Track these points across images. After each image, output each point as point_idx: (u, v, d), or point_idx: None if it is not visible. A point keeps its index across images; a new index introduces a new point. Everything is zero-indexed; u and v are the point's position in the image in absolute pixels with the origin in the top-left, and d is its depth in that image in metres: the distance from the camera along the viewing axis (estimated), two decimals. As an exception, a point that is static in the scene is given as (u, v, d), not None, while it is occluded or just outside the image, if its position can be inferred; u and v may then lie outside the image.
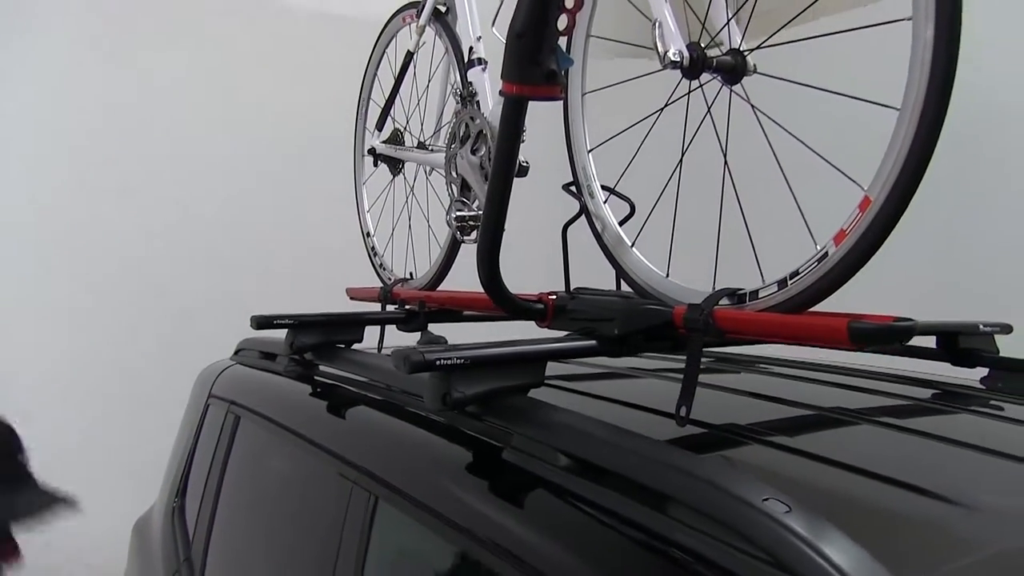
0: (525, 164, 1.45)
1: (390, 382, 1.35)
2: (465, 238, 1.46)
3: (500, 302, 1.26)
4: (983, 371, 1.45)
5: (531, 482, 0.95)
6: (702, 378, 1.03)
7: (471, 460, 1.10)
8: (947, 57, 0.83)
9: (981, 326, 1.45)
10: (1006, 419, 1.23)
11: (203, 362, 2.03)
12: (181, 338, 3.15)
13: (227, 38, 3.44)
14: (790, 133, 1.07)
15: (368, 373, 1.42)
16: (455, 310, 1.65)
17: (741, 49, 1.08)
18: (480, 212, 1.38)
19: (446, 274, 1.72)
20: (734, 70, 1.08)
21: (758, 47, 1.07)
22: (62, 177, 3.17)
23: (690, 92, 1.11)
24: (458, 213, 1.44)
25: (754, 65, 1.09)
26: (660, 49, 1.06)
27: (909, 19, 0.86)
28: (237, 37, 3.45)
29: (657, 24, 1.08)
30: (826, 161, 1.01)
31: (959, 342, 1.46)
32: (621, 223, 1.28)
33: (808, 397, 1.28)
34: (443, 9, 1.69)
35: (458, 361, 1.01)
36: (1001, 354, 1.47)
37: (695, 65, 1.06)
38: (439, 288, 1.76)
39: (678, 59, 1.05)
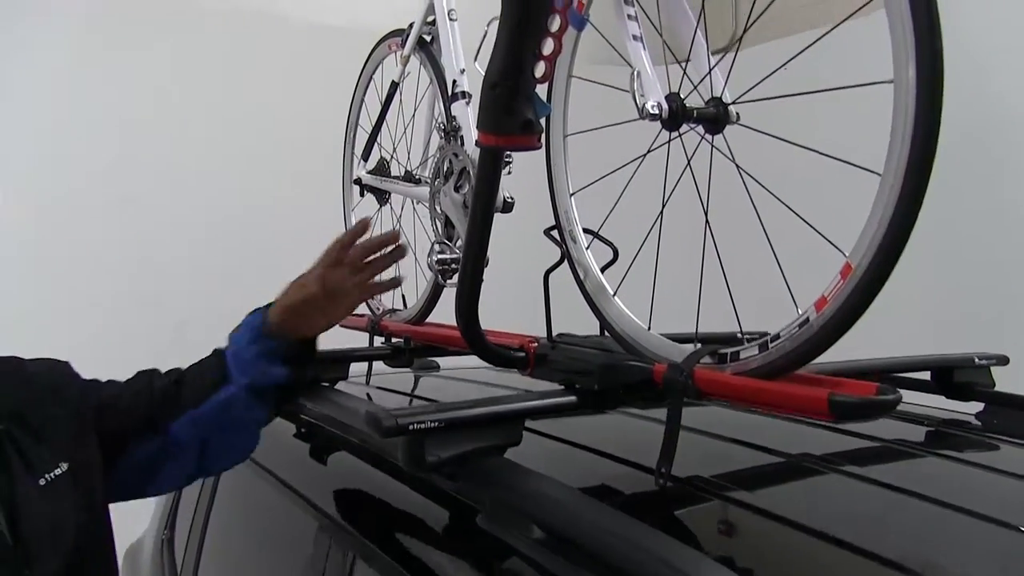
0: (510, 199, 1.42)
1: (366, 437, 1.32)
2: (447, 282, 1.43)
3: (479, 351, 1.23)
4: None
5: (503, 551, 0.93)
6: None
7: (447, 522, 1.08)
8: (928, 125, 0.80)
9: (976, 359, 1.43)
10: (995, 469, 1.19)
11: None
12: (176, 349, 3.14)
13: (224, 48, 3.42)
14: (770, 192, 1.03)
15: (346, 420, 1.39)
16: (441, 347, 1.62)
17: (723, 99, 1.05)
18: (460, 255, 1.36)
19: (433, 307, 1.69)
20: (715, 121, 1.05)
21: (739, 99, 1.04)
22: (58, 187, 3.16)
23: (670, 141, 1.08)
24: (439, 256, 1.41)
25: (736, 115, 1.06)
26: (638, 100, 1.03)
27: (891, 82, 0.83)
28: (234, 47, 3.43)
29: (636, 74, 1.05)
30: (807, 223, 0.98)
31: (954, 376, 1.44)
32: (603, 268, 1.25)
33: (786, 440, 1.25)
34: (428, 38, 1.66)
35: (432, 424, 0.99)
36: (998, 387, 1.46)
37: (675, 117, 1.03)
38: (428, 319, 1.73)
39: (656, 111, 1.02)
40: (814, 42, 1.02)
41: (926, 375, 1.48)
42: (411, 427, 0.97)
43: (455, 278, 1.44)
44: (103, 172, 3.24)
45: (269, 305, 1.18)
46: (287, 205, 3.47)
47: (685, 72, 1.08)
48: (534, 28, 1.04)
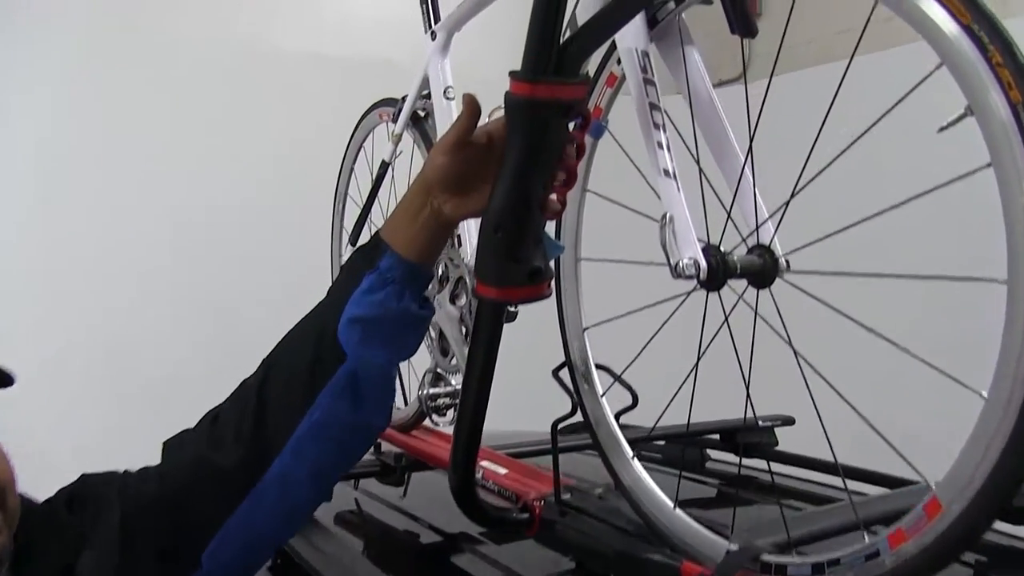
0: (514, 310, 1.25)
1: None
2: (439, 419, 1.25)
3: (474, 516, 1.05)
4: None
5: None
6: None
7: None
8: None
9: (760, 422, 1.55)
10: None
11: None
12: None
13: (217, 79, 3.24)
14: (835, 390, 0.85)
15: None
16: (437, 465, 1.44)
17: (772, 249, 0.87)
18: (458, 388, 1.18)
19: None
20: (763, 274, 0.87)
21: (795, 250, 0.86)
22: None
23: (707, 299, 0.90)
24: (431, 390, 1.22)
25: (787, 263, 0.88)
26: (671, 255, 0.85)
27: (1004, 282, 0.65)
28: (227, 78, 3.26)
29: (668, 219, 0.87)
30: (882, 437, 0.80)
31: (736, 437, 1.55)
32: (619, 415, 1.08)
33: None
34: (422, 114, 1.48)
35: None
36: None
37: (715, 275, 0.85)
38: (424, 423, 1.54)
39: (693, 271, 0.84)
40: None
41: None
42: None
43: (449, 415, 1.27)
44: (87, 213, 3.06)
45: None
46: (283, 240, 3.28)
47: (730, 215, 0.90)
48: (547, 158, 0.86)
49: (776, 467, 1.49)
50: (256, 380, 0.90)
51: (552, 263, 0.91)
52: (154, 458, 0.92)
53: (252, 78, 3.29)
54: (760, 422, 1.56)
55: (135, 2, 3.15)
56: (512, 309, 1.11)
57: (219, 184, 3.25)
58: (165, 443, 0.91)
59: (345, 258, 1.72)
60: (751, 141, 0.89)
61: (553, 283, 1.09)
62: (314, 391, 0.87)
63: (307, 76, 3.32)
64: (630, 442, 1.05)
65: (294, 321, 0.93)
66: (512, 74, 0.83)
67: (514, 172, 0.84)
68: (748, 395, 0.91)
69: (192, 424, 0.92)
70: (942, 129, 0.69)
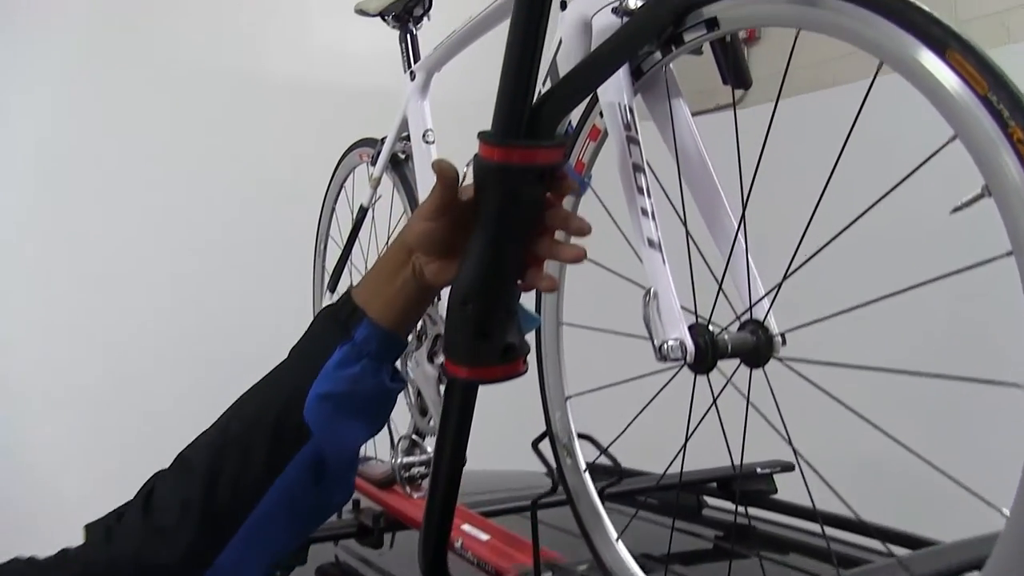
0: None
1: None
2: (415, 493, 1.16)
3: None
4: None
5: None
6: None
7: None
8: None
9: (758, 469, 1.48)
10: None
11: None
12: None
13: (209, 107, 3.19)
14: (832, 488, 0.77)
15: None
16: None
17: (767, 325, 0.79)
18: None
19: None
20: (756, 352, 0.79)
21: (791, 329, 0.78)
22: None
23: (695, 382, 0.82)
24: (405, 459, 1.14)
25: (782, 338, 0.80)
26: (655, 336, 0.77)
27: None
28: (219, 106, 3.20)
29: (652, 295, 0.79)
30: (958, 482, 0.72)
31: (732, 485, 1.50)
32: (602, 490, 1.00)
33: None
34: (403, 156, 1.40)
35: None
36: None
37: (703, 357, 0.77)
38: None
39: (679, 354, 0.76)
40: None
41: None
42: None
43: (423, 488, 1.19)
44: (86, 214, 3.00)
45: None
46: (271, 263, 3.21)
47: (721, 287, 0.82)
48: (520, 227, 0.78)
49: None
50: (204, 454, 0.80)
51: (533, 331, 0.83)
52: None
53: (248, 101, 3.23)
54: (758, 468, 1.49)
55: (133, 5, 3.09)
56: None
57: (213, 204, 3.20)
58: (87, 527, 0.79)
59: (325, 303, 1.65)
60: (744, 209, 0.81)
61: (534, 351, 1.03)
62: (274, 470, 0.79)
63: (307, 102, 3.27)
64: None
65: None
66: (482, 136, 0.75)
67: (483, 242, 0.77)
68: (743, 443, 0.84)
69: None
70: (956, 210, 0.62)
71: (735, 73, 0.86)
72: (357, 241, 1.55)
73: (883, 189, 0.73)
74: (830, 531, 1.31)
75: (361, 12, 1.44)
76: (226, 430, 0.80)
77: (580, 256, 0.76)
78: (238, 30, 3.26)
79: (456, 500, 0.90)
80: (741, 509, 1.50)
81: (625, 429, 0.98)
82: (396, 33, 1.43)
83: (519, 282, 0.79)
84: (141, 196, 3.11)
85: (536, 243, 0.78)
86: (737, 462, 0.86)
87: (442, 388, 1.18)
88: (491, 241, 0.76)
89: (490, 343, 0.79)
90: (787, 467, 1.52)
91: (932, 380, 0.72)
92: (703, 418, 0.84)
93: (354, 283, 1.56)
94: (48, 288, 2.96)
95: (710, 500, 1.58)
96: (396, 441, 1.18)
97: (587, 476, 0.99)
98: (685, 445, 0.89)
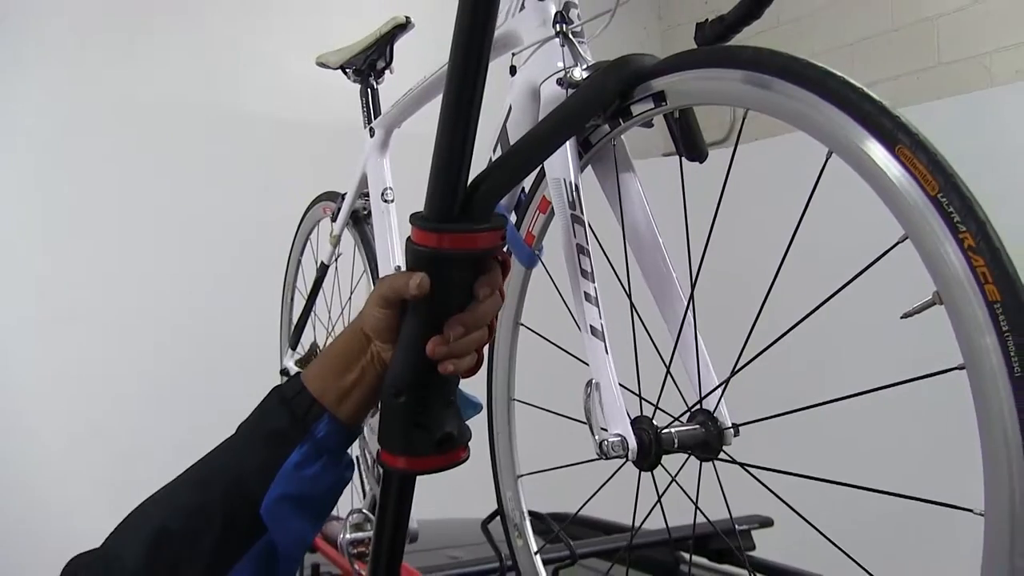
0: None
1: None
2: (363, 571, 1.11)
3: None
4: None
5: None
6: None
7: None
8: None
9: (736, 525, 1.42)
10: None
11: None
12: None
13: (183, 143, 3.16)
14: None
15: None
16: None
17: (717, 416, 0.74)
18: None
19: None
20: (706, 445, 0.75)
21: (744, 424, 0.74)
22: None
23: (640, 478, 0.77)
24: (352, 535, 1.09)
25: (736, 429, 0.76)
26: (595, 431, 0.72)
27: (980, 514, 0.52)
28: (194, 142, 3.17)
29: (594, 387, 0.74)
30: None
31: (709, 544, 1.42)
32: (554, 573, 0.94)
33: None
34: (364, 212, 1.36)
35: None
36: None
37: (647, 454, 0.72)
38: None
39: (621, 451, 0.71)
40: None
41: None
42: None
43: (370, 569, 1.13)
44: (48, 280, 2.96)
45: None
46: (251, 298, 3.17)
47: (668, 372, 0.78)
48: (453, 308, 0.73)
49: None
50: (138, 550, 0.74)
51: (485, 405, 0.78)
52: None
53: (230, 139, 3.21)
54: (735, 524, 1.43)
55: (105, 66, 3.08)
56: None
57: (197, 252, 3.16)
58: None
59: (280, 372, 1.59)
60: (692, 287, 0.77)
61: (486, 427, 0.98)
62: (223, 566, 0.73)
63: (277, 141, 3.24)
64: None
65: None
66: (413, 220, 0.71)
67: (415, 331, 0.72)
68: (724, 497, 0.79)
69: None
70: (906, 315, 0.57)
71: (689, 147, 0.82)
72: (321, 295, 1.51)
73: (840, 269, 0.69)
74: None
75: (322, 65, 1.40)
76: (164, 525, 0.74)
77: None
78: (215, 67, 3.25)
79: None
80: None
81: (575, 514, 0.93)
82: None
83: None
84: (111, 239, 3.07)
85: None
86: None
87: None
88: (422, 330, 0.72)
89: (427, 433, 0.74)
90: (766, 523, 1.48)
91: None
92: (648, 515, 0.79)
93: (317, 340, 1.51)
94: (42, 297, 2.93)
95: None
96: (347, 515, 1.12)
97: (538, 559, 0.94)
98: (632, 538, 0.84)
